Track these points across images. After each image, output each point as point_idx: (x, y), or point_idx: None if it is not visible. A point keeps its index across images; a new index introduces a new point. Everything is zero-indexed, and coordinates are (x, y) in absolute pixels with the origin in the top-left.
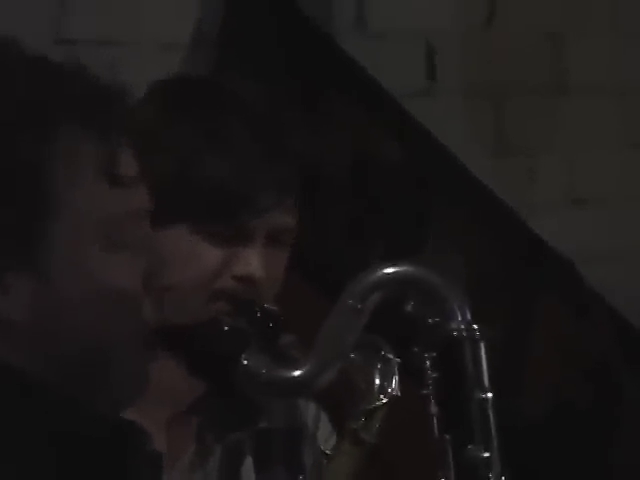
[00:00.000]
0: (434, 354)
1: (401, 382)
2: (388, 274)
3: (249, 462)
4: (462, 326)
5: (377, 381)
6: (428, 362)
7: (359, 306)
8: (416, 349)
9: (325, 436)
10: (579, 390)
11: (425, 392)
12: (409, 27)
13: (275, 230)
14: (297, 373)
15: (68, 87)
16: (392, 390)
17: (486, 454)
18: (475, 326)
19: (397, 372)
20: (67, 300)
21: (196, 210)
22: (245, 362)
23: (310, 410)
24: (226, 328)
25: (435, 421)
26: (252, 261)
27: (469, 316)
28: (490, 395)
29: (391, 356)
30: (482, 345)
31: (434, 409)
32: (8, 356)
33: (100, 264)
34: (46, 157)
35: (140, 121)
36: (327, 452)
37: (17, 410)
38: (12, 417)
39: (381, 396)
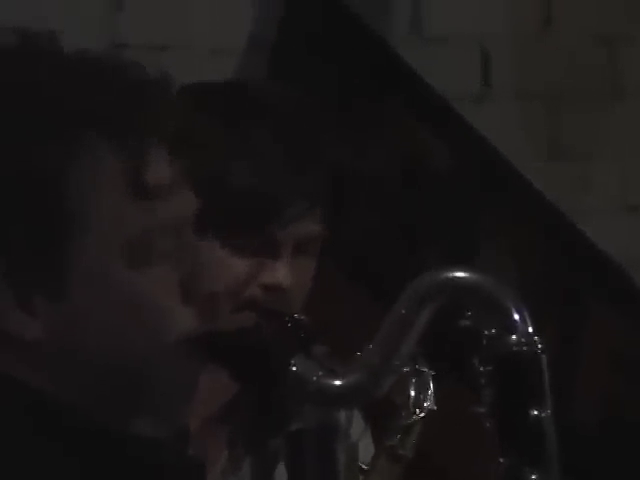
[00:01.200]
0: (491, 368)
1: (455, 395)
2: (444, 281)
3: (282, 468)
4: (523, 339)
5: (412, 394)
6: (485, 377)
7: (413, 315)
8: (473, 362)
9: (358, 432)
10: (630, 399)
11: (481, 409)
12: (464, 32)
13: (302, 239)
14: (345, 382)
15: (92, 91)
16: (428, 404)
17: (542, 477)
18: (537, 338)
19: (432, 385)
20: (94, 319)
21: (223, 218)
22: (294, 369)
23: None
24: (272, 334)
25: (490, 440)
26: (279, 270)
27: (531, 328)
28: (549, 413)
29: (425, 368)
30: (544, 359)
31: (490, 427)
32: (36, 380)
33: (128, 279)
34: (68, 170)
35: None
36: (363, 467)
37: (44, 434)
38: (39, 441)
39: (417, 410)
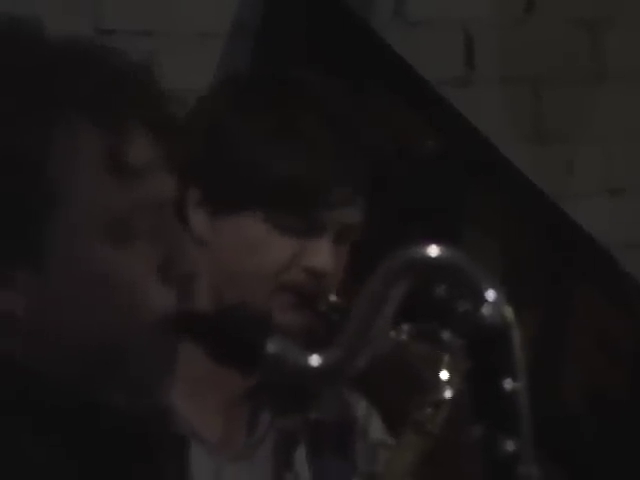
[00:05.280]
0: (465, 342)
1: None
2: (417, 258)
3: (302, 450)
4: (494, 312)
5: (445, 373)
6: (458, 350)
7: (387, 291)
8: (446, 337)
9: (377, 433)
10: (615, 379)
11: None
12: (448, 15)
13: (344, 226)
14: (322, 361)
15: (73, 75)
16: (459, 383)
17: (516, 446)
18: (508, 312)
19: (465, 366)
20: (74, 295)
21: (270, 200)
22: (270, 350)
23: (361, 406)
24: (249, 315)
25: (466, 412)
26: (323, 254)
27: (502, 302)
28: (522, 384)
29: (459, 349)
30: (515, 332)
31: (465, 399)
32: (15, 352)
33: (107, 257)
34: (48, 148)
35: (212, 113)
36: (389, 442)
37: (25, 407)
38: (20, 413)
39: (448, 388)
